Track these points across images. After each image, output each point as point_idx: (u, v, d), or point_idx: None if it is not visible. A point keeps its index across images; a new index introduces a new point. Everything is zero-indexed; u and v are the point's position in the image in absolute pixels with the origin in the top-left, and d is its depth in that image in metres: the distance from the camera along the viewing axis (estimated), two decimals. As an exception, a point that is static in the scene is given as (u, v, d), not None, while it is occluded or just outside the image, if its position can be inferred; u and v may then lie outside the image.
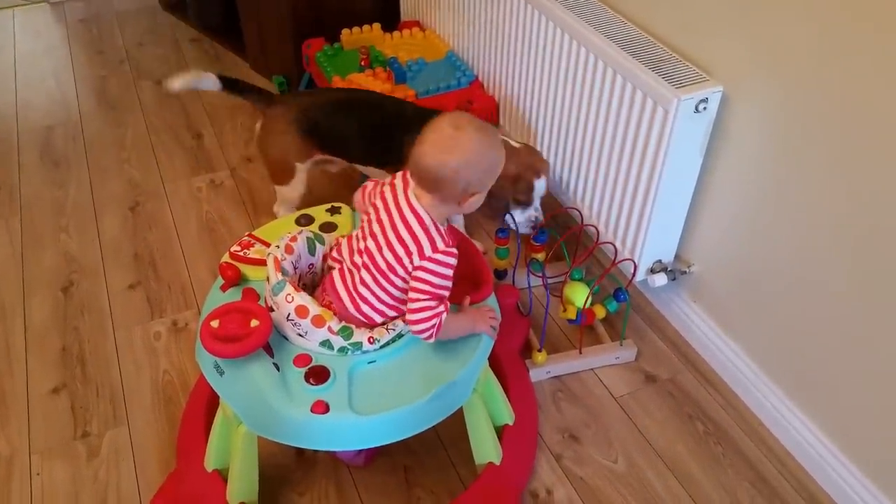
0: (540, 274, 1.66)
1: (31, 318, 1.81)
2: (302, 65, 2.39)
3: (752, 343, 1.55)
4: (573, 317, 1.59)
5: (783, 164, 1.34)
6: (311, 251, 1.36)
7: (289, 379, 1.19)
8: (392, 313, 1.29)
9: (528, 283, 1.72)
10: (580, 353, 1.67)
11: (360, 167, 1.89)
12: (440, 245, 1.22)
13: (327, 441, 1.23)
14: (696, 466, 1.50)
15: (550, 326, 1.77)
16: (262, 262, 1.33)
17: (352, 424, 1.16)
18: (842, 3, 1.14)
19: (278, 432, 1.20)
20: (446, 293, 1.24)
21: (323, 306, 1.25)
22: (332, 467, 1.47)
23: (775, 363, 1.51)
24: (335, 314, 1.25)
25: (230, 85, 1.82)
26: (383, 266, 1.24)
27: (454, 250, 1.23)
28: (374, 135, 1.77)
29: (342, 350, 1.23)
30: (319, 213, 1.51)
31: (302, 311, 1.21)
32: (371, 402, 1.18)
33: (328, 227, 1.46)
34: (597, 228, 1.72)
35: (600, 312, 1.62)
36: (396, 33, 2.37)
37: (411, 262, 1.22)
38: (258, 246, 1.40)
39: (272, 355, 1.22)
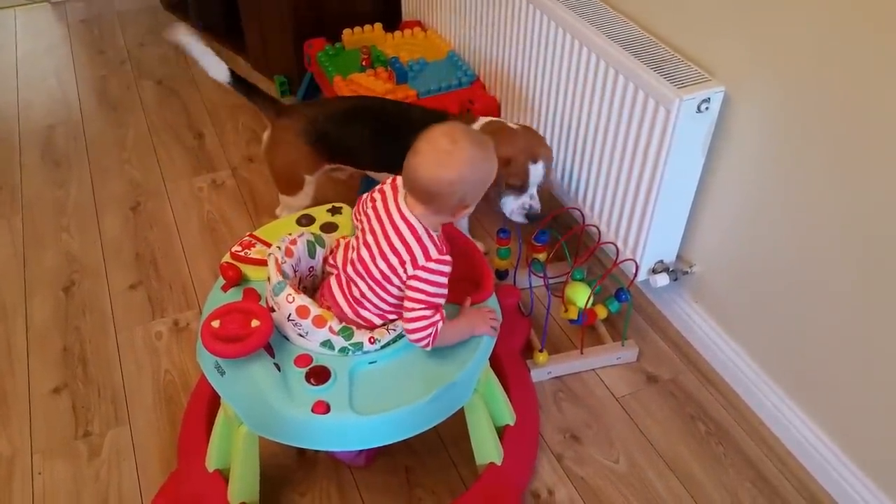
0: (541, 274, 1.65)
1: (33, 317, 1.81)
2: (303, 64, 2.39)
3: (753, 343, 1.55)
4: (574, 317, 1.59)
5: (785, 165, 1.34)
6: (311, 254, 1.36)
7: (290, 379, 1.19)
8: (392, 315, 1.29)
9: (530, 284, 1.71)
10: (581, 353, 1.67)
11: (371, 174, 1.88)
12: (433, 254, 1.21)
13: (328, 441, 1.23)
14: (698, 466, 1.50)
15: (552, 327, 1.76)
16: (263, 263, 1.33)
17: (353, 425, 1.16)
18: (843, 4, 1.14)
19: (279, 432, 1.20)
20: (442, 300, 1.23)
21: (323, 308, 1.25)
22: (334, 467, 1.47)
23: (776, 363, 1.50)
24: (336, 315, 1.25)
25: (239, 83, 1.78)
26: (378, 276, 1.24)
27: (448, 258, 1.23)
28: (384, 141, 1.75)
29: (343, 350, 1.23)
30: (320, 213, 1.51)
31: (303, 311, 1.21)
32: (372, 402, 1.18)
33: (329, 228, 1.46)
34: (598, 228, 1.72)
35: (602, 313, 1.62)
36: (398, 33, 2.36)
37: (405, 271, 1.21)
38: (259, 246, 1.40)
39: (273, 355, 1.22)
